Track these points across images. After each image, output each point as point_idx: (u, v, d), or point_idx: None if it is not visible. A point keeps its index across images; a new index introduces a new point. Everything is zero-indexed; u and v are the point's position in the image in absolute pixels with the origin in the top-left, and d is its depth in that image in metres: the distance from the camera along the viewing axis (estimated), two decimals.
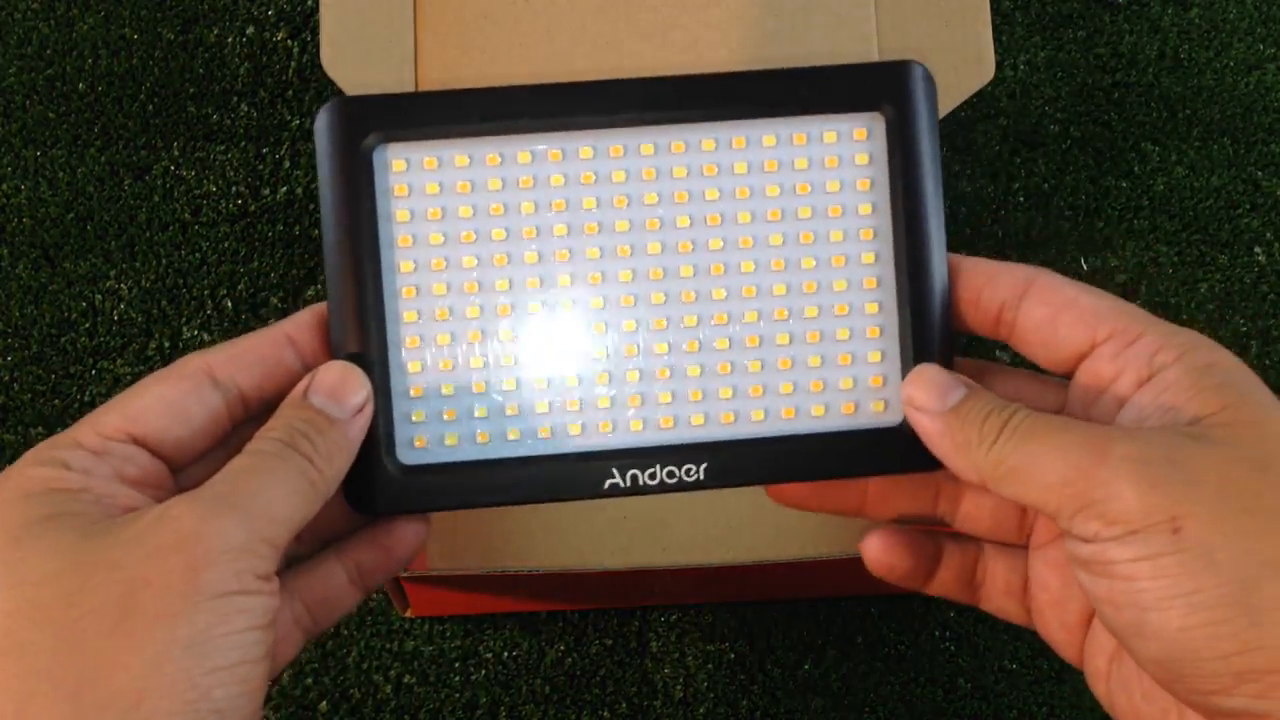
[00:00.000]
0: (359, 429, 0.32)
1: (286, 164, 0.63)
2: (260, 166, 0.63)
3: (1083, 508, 0.28)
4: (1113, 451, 0.27)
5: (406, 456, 0.33)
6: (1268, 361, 0.62)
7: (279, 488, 0.29)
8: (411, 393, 0.33)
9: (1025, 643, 0.54)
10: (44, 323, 0.59)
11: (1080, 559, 0.28)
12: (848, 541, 0.56)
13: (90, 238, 0.61)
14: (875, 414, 0.34)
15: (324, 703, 0.53)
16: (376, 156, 0.32)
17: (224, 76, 0.65)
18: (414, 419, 0.33)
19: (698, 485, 0.33)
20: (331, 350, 0.33)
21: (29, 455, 0.29)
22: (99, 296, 0.60)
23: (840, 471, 0.34)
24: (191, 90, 0.64)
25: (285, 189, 0.62)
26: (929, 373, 0.32)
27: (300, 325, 0.33)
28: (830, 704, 0.53)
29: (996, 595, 0.34)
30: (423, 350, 0.33)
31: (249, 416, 0.32)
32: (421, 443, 0.33)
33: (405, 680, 0.53)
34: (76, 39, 0.65)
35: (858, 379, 0.33)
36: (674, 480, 0.33)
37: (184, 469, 0.31)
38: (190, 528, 0.27)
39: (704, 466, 0.33)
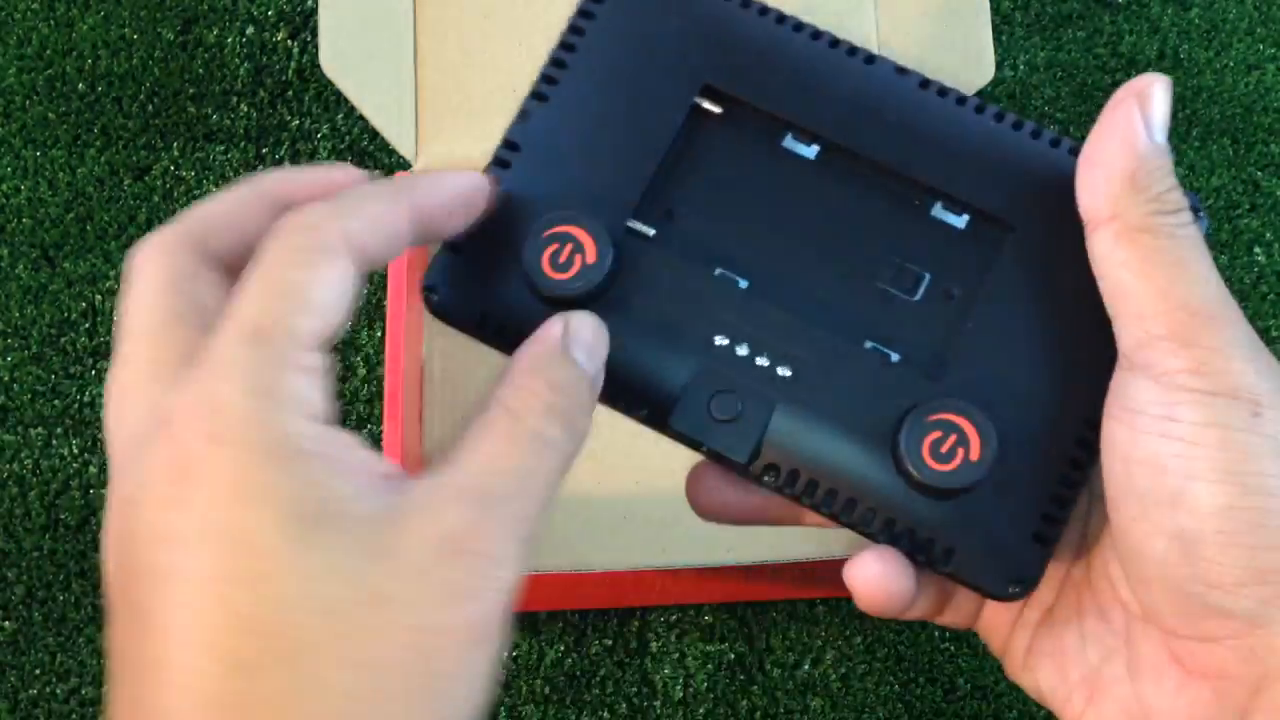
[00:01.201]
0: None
1: (286, 164, 0.63)
2: (260, 167, 0.63)
3: (1181, 346, 0.28)
4: (1228, 316, 0.28)
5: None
6: None
7: (552, 494, 0.27)
8: None
9: None
10: (44, 323, 0.59)
11: (1136, 406, 0.28)
12: (848, 542, 0.56)
13: (90, 238, 0.61)
14: None
15: None
16: None
17: (224, 76, 0.65)
18: None
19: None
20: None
21: (241, 384, 0.24)
22: (99, 296, 0.60)
23: None
24: (191, 90, 0.64)
25: None
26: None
27: (428, 202, 0.28)
28: (830, 704, 0.53)
29: (966, 600, 0.33)
30: None
31: None
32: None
33: None
34: (76, 39, 0.65)
35: None
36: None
37: None
38: (483, 570, 0.25)
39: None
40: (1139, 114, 0.29)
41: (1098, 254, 0.29)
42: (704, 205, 0.33)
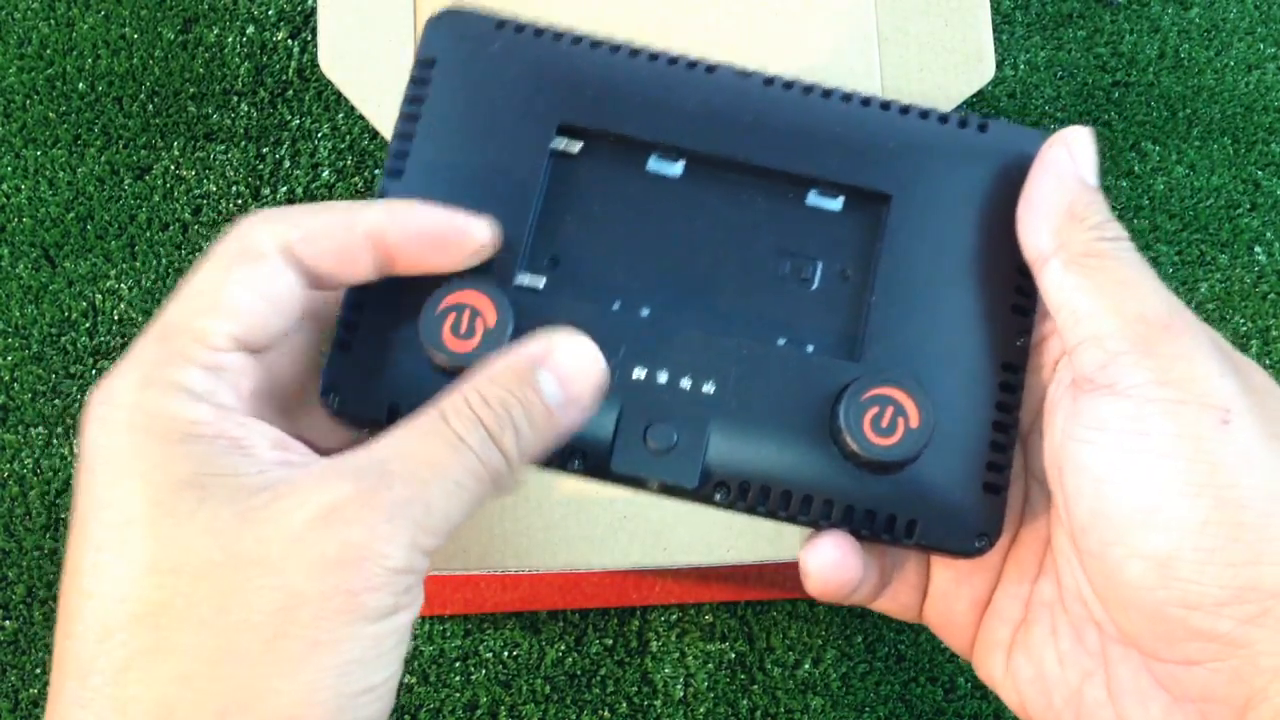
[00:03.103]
0: (570, 430, 0.29)
1: (286, 164, 0.63)
2: (260, 166, 0.63)
3: (1144, 356, 0.28)
4: (1185, 323, 0.28)
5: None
6: (1267, 361, 0.62)
7: (461, 496, 0.26)
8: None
9: None
10: (44, 323, 0.59)
11: (1103, 425, 0.28)
12: None
13: (90, 238, 0.61)
14: None
15: None
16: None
17: (224, 76, 0.65)
18: None
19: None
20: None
21: (136, 375, 0.26)
22: (99, 296, 0.60)
23: None
24: (191, 90, 0.64)
25: (285, 189, 0.62)
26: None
27: (390, 227, 0.29)
28: (830, 704, 0.53)
29: (904, 590, 0.33)
30: None
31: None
32: None
33: (405, 680, 0.53)
34: (76, 39, 0.65)
35: None
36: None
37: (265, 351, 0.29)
38: (356, 540, 0.25)
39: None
40: (1069, 157, 0.30)
41: (1050, 286, 0.30)
42: (587, 244, 0.33)
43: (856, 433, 0.30)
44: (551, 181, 0.32)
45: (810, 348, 0.32)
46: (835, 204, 0.33)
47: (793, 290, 0.33)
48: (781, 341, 0.32)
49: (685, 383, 0.31)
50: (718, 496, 0.31)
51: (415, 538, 0.26)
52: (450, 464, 0.26)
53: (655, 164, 0.33)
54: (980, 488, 0.31)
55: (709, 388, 0.31)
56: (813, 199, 0.33)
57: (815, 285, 0.33)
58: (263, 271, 0.27)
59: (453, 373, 0.30)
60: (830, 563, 0.30)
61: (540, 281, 0.32)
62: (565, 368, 0.28)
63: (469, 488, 0.27)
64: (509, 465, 0.27)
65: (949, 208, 0.32)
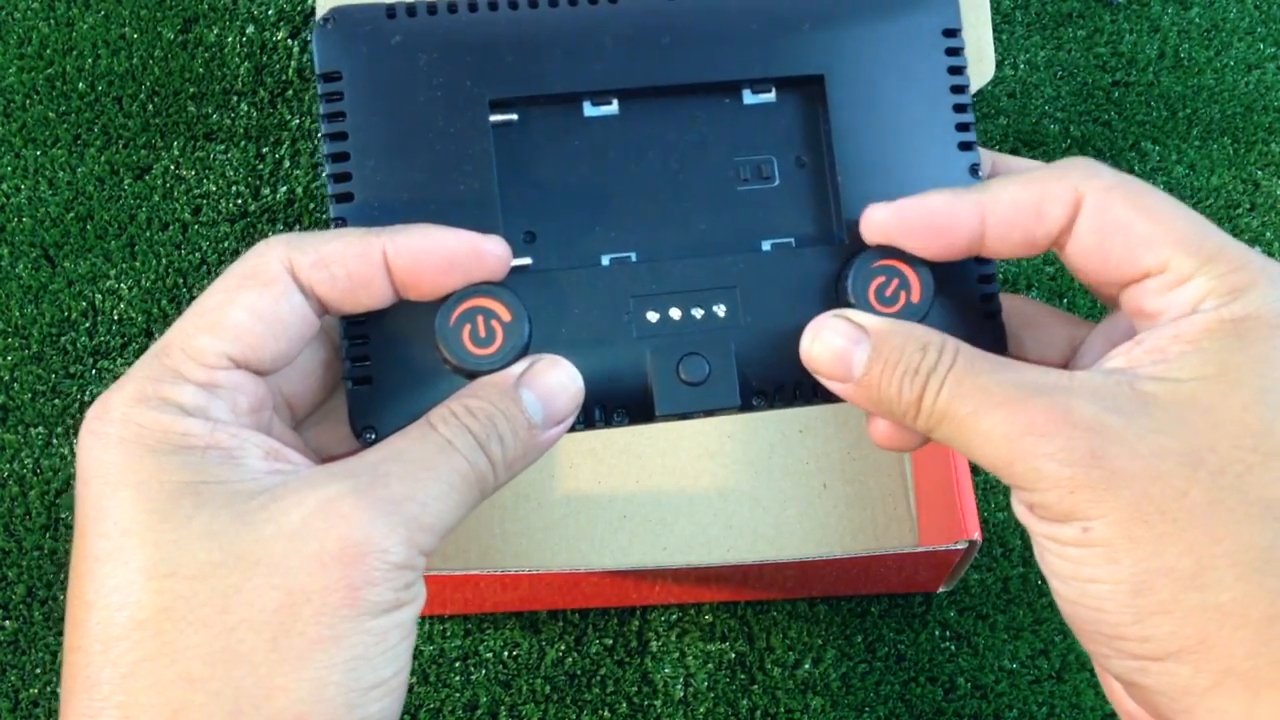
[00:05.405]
0: (550, 443, 0.30)
1: (286, 164, 0.63)
2: (260, 166, 0.63)
3: (1012, 486, 0.28)
4: (1036, 449, 0.27)
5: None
6: None
7: (453, 497, 0.27)
8: None
9: (1025, 643, 0.54)
10: (44, 323, 0.59)
11: (1016, 510, 0.30)
12: (848, 541, 0.56)
13: (90, 238, 0.61)
14: None
15: None
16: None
17: (224, 76, 0.65)
18: None
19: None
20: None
21: (130, 390, 0.27)
22: (99, 296, 0.60)
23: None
24: (191, 90, 0.64)
25: (285, 189, 0.62)
26: (826, 336, 0.30)
27: (405, 253, 0.29)
28: (830, 704, 0.53)
29: None
30: None
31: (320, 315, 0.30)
32: None
33: None
34: (76, 39, 0.65)
35: None
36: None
37: (275, 373, 0.29)
38: (355, 536, 0.25)
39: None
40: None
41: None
42: (555, 208, 0.33)
43: (863, 303, 0.31)
44: (500, 157, 0.32)
45: (792, 241, 0.33)
46: (770, 96, 0.34)
47: (758, 192, 0.34)
48: (766, 245, 0.33)
49: (697, 312, 0.32)
50: (756, 402, 0.32)
51: (412, 535, 0.26)
52: (441, 466, 0.27)
53: (591, 109, 0.33)
54: (983, 316, 0.33)
55: (720, 309, 0.32)
56: (749, 98, 0.34)
57: (777, 181, 0.34)
58: (269, 295, 0.28)
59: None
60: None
61: (526, 260, 0.32)
62: (546, 386, 0.29)
63: (459, 489, 0.27)
64: (494, 472, 0.28)
65: (879, 68, 0.33)
